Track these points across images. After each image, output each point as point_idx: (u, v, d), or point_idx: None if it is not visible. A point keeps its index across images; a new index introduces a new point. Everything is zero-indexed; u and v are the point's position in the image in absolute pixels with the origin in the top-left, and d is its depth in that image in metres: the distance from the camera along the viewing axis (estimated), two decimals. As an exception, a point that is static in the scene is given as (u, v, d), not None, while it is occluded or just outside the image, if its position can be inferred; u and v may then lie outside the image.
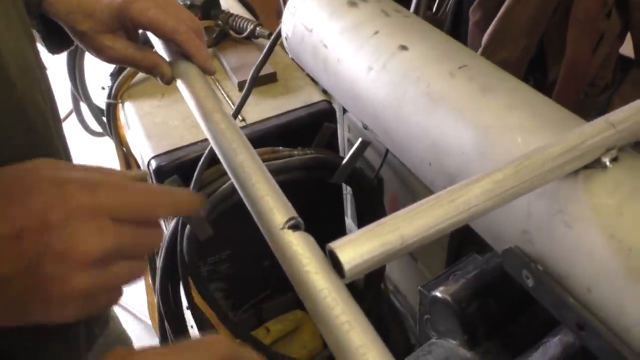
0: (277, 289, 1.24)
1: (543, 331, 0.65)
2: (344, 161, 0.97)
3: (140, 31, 0.64)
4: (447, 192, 0.41)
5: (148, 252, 0.93)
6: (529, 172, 0.42)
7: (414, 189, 1.24)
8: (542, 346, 0.59)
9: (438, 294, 0.63)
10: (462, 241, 1.22)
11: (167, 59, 0.63)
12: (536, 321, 0.66)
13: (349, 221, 1.40)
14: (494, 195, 0.41)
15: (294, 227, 0.41)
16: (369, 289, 1.16)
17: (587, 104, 1.07)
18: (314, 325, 1.23)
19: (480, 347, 0.63)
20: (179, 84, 0.60)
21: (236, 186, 0.47)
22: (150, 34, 0.64)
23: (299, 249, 0.39)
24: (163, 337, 1.05)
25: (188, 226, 0.92)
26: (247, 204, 0.45)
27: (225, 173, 0.95)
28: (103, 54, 0.62)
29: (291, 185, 0.95)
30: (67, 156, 0.59)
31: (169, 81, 0.63)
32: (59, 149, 0.55)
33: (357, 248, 0.38)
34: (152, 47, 0.66)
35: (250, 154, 0.48)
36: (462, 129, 0.55)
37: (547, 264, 0.48)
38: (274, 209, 0.42)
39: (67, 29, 0.62)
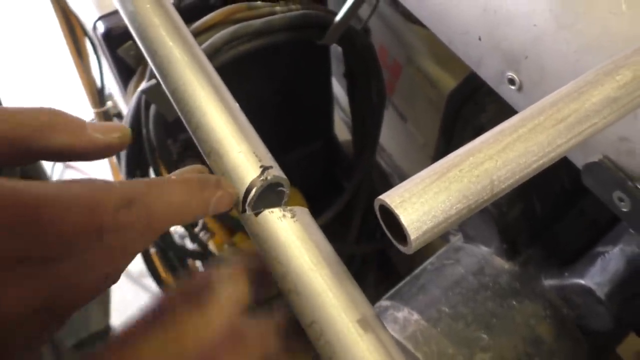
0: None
1: (592, 232, 0.55)
2: (338, 17, 0.79)
3: None
4: (548, 105, 0.27)
5: None
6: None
7: (408, 42, 1.08)
8: (599, 258, 0.49)
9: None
10: (462, 101, 1.09)
11: None
12: (583, 220, 0.56)
13: (335, 84, 1.24)
14: (622, 106, 0.28)
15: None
16: (361, 160, 1.05)
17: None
18: (302, 201, 1.13)
19: (519, 255, 0.54)
20: None
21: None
22: None
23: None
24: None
25: (153, 105, 0.76)
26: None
27: (202, 32, 0.78)
28: None
29: (273, 50, 0.79)
30: None
31: None
32: None
33: (424, 203, 0.25)
34: None
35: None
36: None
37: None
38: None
39: None
